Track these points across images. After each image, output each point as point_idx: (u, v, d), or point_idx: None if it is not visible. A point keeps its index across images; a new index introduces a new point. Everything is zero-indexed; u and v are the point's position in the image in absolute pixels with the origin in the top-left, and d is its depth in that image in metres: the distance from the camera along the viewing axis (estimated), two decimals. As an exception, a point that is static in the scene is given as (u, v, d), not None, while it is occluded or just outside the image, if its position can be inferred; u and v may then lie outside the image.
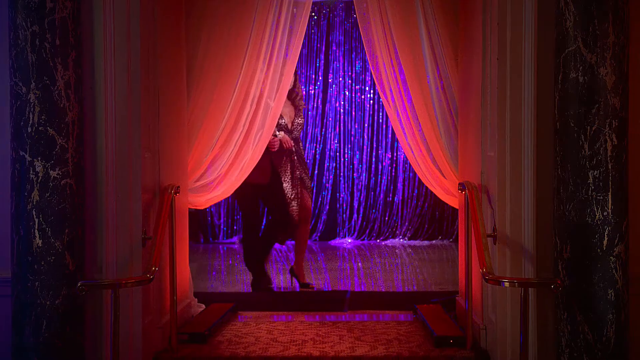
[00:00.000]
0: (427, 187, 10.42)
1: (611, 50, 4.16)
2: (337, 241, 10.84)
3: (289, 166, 7.37)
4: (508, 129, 4.62)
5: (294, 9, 6.42)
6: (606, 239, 4.18)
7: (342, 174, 11.10)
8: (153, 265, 4.43)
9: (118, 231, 4.64)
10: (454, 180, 6.04)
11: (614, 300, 4.18)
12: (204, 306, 6.16)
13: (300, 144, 7.67)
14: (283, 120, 7.32)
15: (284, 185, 7.34)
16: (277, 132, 7.21)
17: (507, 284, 4.27)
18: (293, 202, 7.34)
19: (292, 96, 7.38)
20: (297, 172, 7.42)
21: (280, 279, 7.98)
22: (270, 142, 6.92)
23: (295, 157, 7.44)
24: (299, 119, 7.54)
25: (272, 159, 7.24)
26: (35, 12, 4.26)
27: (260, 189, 7.23)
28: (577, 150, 4.20)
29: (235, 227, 11.01)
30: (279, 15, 6.23)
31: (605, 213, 4.17)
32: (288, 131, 7.36)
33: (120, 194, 4.65)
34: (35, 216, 4.29)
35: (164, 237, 4.84)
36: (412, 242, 10.79)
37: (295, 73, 7.38)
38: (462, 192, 5.27)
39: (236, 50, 6.16)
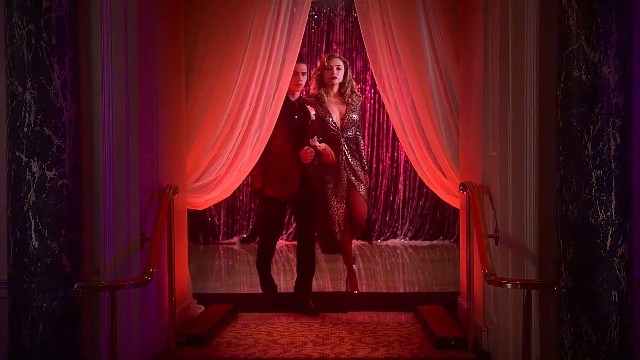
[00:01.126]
0: (427, 187, 10.41)
1: (614, 48, 4.12)
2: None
3: (337, 172, 6.66)
4: (510, 129, 4.57)
5: (294, 9, 6.36)
6: (610, 239, 4.13)
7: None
8: (151, 267, 4.38)
9: (116, 232, 4.60)
10: (455, 180, 5.99)
11: (617, 302, 4.13)
12: (203, 307, 6.11)
13: (360, 143, 6.79)
14: (331, 119, 6.61)
15: (331, 199, 6.62)
16: (318, 143, 6.42)
17: (509, 286, 4.22)
18: (337, 212, 6.62)
19: (342, 90, 6.72)
20: (346, 176, 6.67)
21: (281, 280, 7.92)
22: (303, 152, 6.29)
23: (350, 161, 6.68)
24: (353, 114, 6.67)
25: (308, 169, 6.42)
26: (31, 10, 4.21)
27: (285, 202, 6.46)
28: (580, 150, 4.16)
29: (235, 227, 10.94)
30: (277, 14, 6.17)
31: (608, 213, 4.13)
32: (339, 130, 6.62)
33: (118, 195, 4.61)
34: (31, 217, 4.24)
35: (162, 238, 4.79)
36: (413, 243, 10.73)
37: (346, 64, 6.80)
38: (463, 192, 5.22)
39: (235, 49, 6.11)
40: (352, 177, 6.68)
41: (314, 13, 10.64)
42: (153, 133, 5.04)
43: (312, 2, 6.57)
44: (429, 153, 6.13)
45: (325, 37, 10.81)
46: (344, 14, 10.74)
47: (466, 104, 5.65)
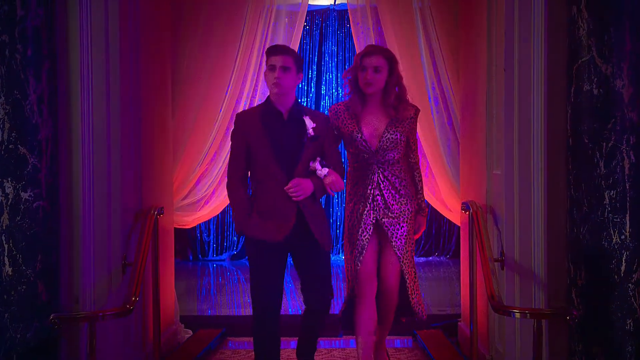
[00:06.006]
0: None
1: (628, 59, 3.88)
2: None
3: (362, 212, 4.55)
4: (516, 146, 4.32)
5: (286, 19, 6.17)
6: (624, 264, 3.89)
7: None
8: (133, 295, 4.11)
9: (96, 257, 4.32)
10: (456, 198, 5.75)
11: (633, 331, 3.88)
12: (191, 332, 5.83)
13: (406, 173, 4.60)
14: (360, 135, 4.51)
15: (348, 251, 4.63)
16: (320, 167, 4.36)
17: (518, 315, 3.98)
18: (355, 263, 4.51)
19: (385, 98, 4.54)
20: (374, 218, 4.52)
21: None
22: (289, 187, 4.26)
23: (385, 196, 4.51)
24: (394, 133, 4.49)
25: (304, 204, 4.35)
26: (5, 20, 3.94)
27: (281, 247, 4.33)
28: (592, 169, 3.92)
29: (225, 244, 10.65)
30: (268, 25, 5.99)
31: (622, 236, 3.88)
32: (371, 153, 4.50)
33: (99, 217, 4.33)
34: (4, 242, 3.96)
35: (146, 262, 4.50)
36: (408, 259, 10.45)
37: (391, 61, 4.53)
38: (465, 212, 4.96)
39: (225, 61, 5.90)
40: (385, 220, 4.52)
41: (305, 23, 10.38)
42: (137, 150, 4.77)
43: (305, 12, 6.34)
44: (429, 170, 5.90)
45: (317, 49, 10.56)
46: (336, 24, 10.49)
47: (468, 118, 5.40)
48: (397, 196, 4.52)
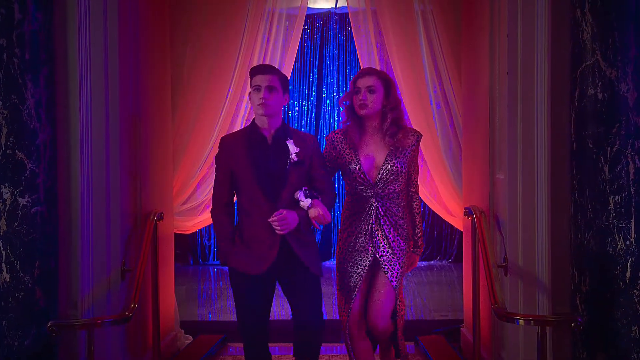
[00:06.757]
0: (424, 207, 10.13)
1: (633, 63, 3.82)
2: (331, 262, 10.43)
3: (362, 248, 4.31)
4: (519, 150, 4.29)
5: (286, 22, 6.13)
6: (629, 270, 3.82)
7: (336, 192, 10.69)
8: (132, 302, 4.07)
9: (95, 263, 4.29)
10: (459, 202, 5.70)
11: (638, 338, 3.82)
12: (191, 338, 5.79)
13: (404, 207, 4.37)
14: (357, 166, 4.28)
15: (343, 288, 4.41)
16: (304, 198, 4.08)
17: (522, 322, 3.92)
18: (347, 301, 4.37)
19: (383, 124, 4.29)
20: (372, 254, 4.28)
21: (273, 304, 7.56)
22: (273, 219, 4.00)
23: (385, 231, 4.28)
24: (394, 164, 4.27)
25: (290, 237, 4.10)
26: (2, 24, 3.89)
27: (264, 277, 4.11)
28: (597, 173, 3.86)
29: (226, 248, 10.60)
30: (270, 28, 5.95)
31: (627, 242, 3.82)
32: (370, 185, 4.28)
33: (98, 222, 4.30)
34: (2, 248, 3.92)
35: (145, 268, 4.46)
36: (410, 263, 10.39)
37: (387, 83, 4.32)
38: (468, 218, 4.91)
39: (225, 63, 5.85)
40: (382, 258, 4.28)
41: (306, 27, 10.35)
42: (136, 154, 4.73)
43: (305, 15, 6.30)
44: (430, 174, 5.85)
45: (318, 52, 10.52)
46: (337, 27, 10.45)
47: (470, 122, 5.35)
48: (395, 234, 4.30)
